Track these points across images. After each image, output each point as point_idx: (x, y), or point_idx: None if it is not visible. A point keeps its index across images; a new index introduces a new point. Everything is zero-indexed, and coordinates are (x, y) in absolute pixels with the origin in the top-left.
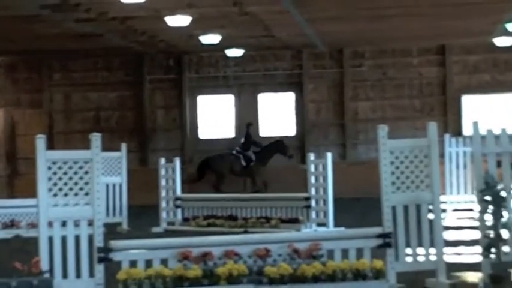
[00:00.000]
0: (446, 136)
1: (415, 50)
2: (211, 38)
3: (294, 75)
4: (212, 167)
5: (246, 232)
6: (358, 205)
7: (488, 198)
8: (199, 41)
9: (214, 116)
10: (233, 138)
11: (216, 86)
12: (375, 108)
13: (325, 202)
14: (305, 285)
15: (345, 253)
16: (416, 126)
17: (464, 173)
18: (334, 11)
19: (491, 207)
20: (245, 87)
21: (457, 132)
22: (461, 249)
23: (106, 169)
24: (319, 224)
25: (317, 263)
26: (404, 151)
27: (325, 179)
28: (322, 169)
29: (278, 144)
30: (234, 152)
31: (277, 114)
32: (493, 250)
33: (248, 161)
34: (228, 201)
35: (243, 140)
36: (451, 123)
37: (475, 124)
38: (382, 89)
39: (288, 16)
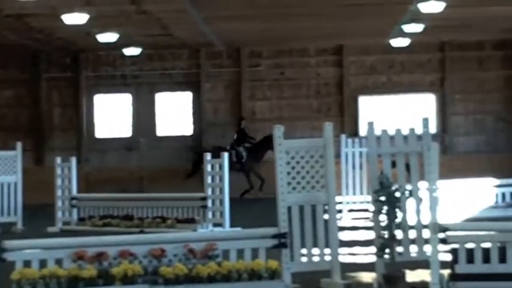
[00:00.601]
0: (343, 136)
1: (313, 50)
2: (108, 37)
3: (191, 75)
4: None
5: (142, 232)
6: (255, 205)
7: (382, 198)
8: (96, 39)
9: (112, 115)
10: (130, 137)
11: (113, 85)
12: (272, 108)
13: (221, 202)
14: (200, 286)
15: (240, 253)
16: (314, 126)
17: (360, 174)
18: (232, 10)
19: (385, 207)
20: (143, 86)
21: (354, 133)
22: (356, 249)
23: (0, 168)
24: (216, 224)
25: (212, 263)
26: (300, 151)
27: (221, 179)
28: (219, 169)
29: (269, 140)
30: (228, 147)
31: (175, 114)
32: (387, 250)
33: (239, 157)
34: (124, 201)
35: (235, 135)
36: (348, 124)
37: (370, 125)
38: (280, 88)
39: (185, 15)
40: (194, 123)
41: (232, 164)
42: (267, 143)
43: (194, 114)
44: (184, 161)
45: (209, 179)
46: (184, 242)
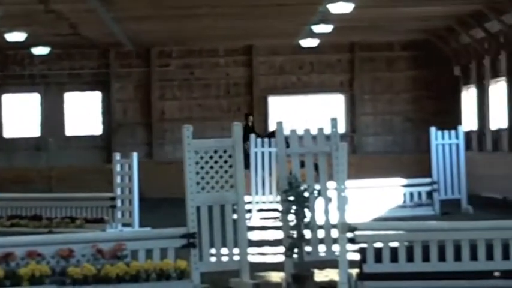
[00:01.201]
0: (252, 136)
1: (222, 50)
2: (16, 36)
3: (100, 74)
4: None
5: (50, 232)
6: (165, 205)
7: (291, 198)
8: (4, 38)
9: (20, 115)
10: (39, 137)
11: (21, 85)
12: (182, 108)
13: (130, 202)
14: (109, 286)
15: (149, 253)
16: (223, 126)
17: (269, 173)
18: (141, 10)
19: (294, 207)
20: (51, 86)
21: (263, 133)
22: (265, 249)
23: None
24: (125, 224)
25: (121, 264)
26: (209, 151)
27: (131, 178)
28: (128, 169)
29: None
30: None
31: (84, 114)
32: (295, 250)
33: (245, 154)
34: (33, 201)
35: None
36: (257, 124)
37: (279, 124)
38: (190, 88)
39: (94, 14)
40: (103, 123)
41: None
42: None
43: (103, 114)
44: (93, 160)
45: (118, 179)
46: (93, 242)
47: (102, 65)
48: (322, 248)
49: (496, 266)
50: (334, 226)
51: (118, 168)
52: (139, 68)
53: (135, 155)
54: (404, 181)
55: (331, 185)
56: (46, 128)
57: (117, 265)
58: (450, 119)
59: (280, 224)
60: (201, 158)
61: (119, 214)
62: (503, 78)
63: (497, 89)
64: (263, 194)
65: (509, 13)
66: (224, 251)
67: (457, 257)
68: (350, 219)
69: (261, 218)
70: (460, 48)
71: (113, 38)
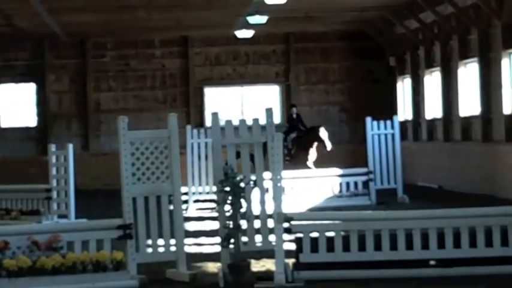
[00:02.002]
0: (188, 127)
1: (158, 41)
2: None
3: (35, 66)
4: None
5: None
6: (101, 196)
7: (227, 189)
8: None
9: None
10: None
11: None
12: (117, 99)
13: (66, 193)
14: (45, 278)
15: (85, 245)
16: (159, 118)
17: (206, 164)
18: (76, 1)
19: (230, 197)
20: None
21: (199, 124)
22: (201, 239)
23: None
24: (61, 216)
25: (57, 255)
26: (145, 142)
27: (66, 170)
28: (64, 160)
29: (315, 132)
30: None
31: (19, 105)
32: (232, 240)
33: (287, 147)
34: None
35: (287, 124)
36: (193, 115)
37: (214, 115)
38: (125, 80)
39: (28, 5)
40: (38, 114)
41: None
42: (313, 134)
43: (38, 105)
44: (29, 152)
45: (54, 170)
46: (28, 234)
47: (37, 57)
48: (258, 239)
49: (432, 255)
50: (270, 216)
51: (53, 159)
52: (74, 59)
53: (70, 146)
54: (341, 171)
55: (267, 175)
56: None
57: (53, 257)
58: (385, 109)
59: (216, 214)
60: (137, 149)
61: (54, 206)
62: (438, 68)
63: (431, 79)
64: (200, 184)
65: (444, 4)
66: (161, 241)
67: (393, 246)
68: (286, 209)
69: (198, 209)
70: (395, 39)
71: (47, 29)
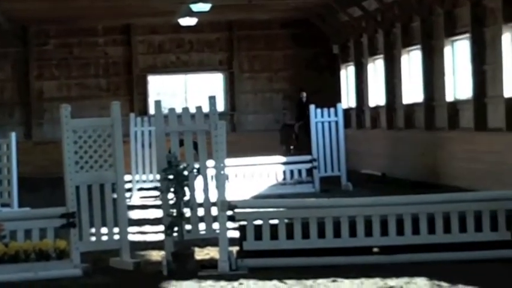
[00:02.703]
0: (132, 115)
1: (101, 29)
2: None
3: None
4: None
5: None
6: (44, 185)
7: (171, 177)
8: None
9: None
10: None
11: None
12: (60, 87)
13: (9, 182)
14: None
15: (28, 233)
16: (103, 106)
17: (149, 152)
18: None
19: (173, 186)
20: None
21: (143, 112)
22: (145, 228)
23: None
24: (4, 205)
25: None
26: (88, 130)
27: (9, 158)
28: (7, 149)
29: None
30: (295, 123)
31: None
32: (175, 228)
33: (295, 134)
34: None
35: (296, 110)
36: (137, 103)
37: (157, 103)
38: (68, 68)
39: None
40: None
41: (290, 140)
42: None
43: None
44: None
45: None
46: None
47: None
48: (202, 227)
49: (375, 242)
50: (214, 204)
51: None
52: (16, 47)
53: (13, 134)
54: (284, 158)
55: (210, 163)
56: None
57: None
58: (329, 96)
59: (160, 202)
60: (80, 137)
61: None
62: (381, 56)
63: (375, 66)
64: (143, 172)
65: None
66: (104, 230)
67: (337, 233)
68: (230, 197)
69: (141, 197)
70: (339, 27)
71: None
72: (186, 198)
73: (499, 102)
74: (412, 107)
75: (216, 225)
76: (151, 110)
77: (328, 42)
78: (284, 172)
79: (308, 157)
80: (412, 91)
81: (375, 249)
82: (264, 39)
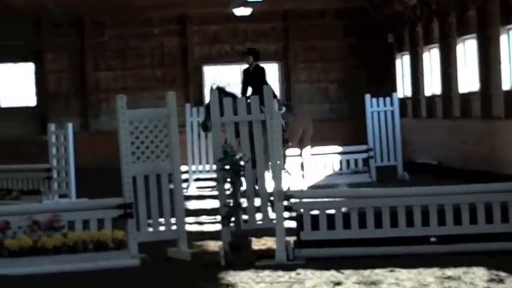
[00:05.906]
0: (187, 106)
1: (156, 19)
2: None
3: (33, 45)
4: None
5: None
6: (101, 175)
7: (227, 167)
8: None
9: None
10: None
11: None
12: (116, 78)
13: (67, 173)
14: (46, 257)
15: (86, 224)
16: (159, 96)
17: (206, 143)
18: None
19: (230, 176)
20: None
21: (199, 102)
22: (202, 218)
23: None
24: (62, 195)
25: (58, 235)
26: (144, 121)
27: (66, 149)
28: (64, 139)
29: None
30: None
31: (18, 85)
32: (232, 219)
33: None
34: None
35: None
36: (193, 93)
37: (213, 92)
38: (124, 59)
39: None
40: (37, 94)
41: None
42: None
43: (37, 85)
44: (28, 131)
45: (54, 150)
46: (29, 214)
47: (34, 36)
48: (259, 217)
49: (432, 232)
50: (270, 194)
51: (53, 139)
52: (72, 38)
53: (70, 125)
54: (341, 148)
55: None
56: None
57: (54, 236)
58: (385, 86)
59: (216, 193)
60: (136, 127)
61: (55, 185)
62: (436, 45)
63: (430, 56)
64: (200, 163)
65: None
66: (161, 220)
67: (394, 223)
68: (286, 187)
69: (198, 188)
70: (394, 16)
71: (44, 7)
72: (243, 188)
73: None
74: (468, 96)
75: (272, 215)
76: (207, 100)
77: (383, 32)
78: (340, 162)
79: (364, 147)
80: (468, 80)
81: (432, 239)
82: (319, 28)
